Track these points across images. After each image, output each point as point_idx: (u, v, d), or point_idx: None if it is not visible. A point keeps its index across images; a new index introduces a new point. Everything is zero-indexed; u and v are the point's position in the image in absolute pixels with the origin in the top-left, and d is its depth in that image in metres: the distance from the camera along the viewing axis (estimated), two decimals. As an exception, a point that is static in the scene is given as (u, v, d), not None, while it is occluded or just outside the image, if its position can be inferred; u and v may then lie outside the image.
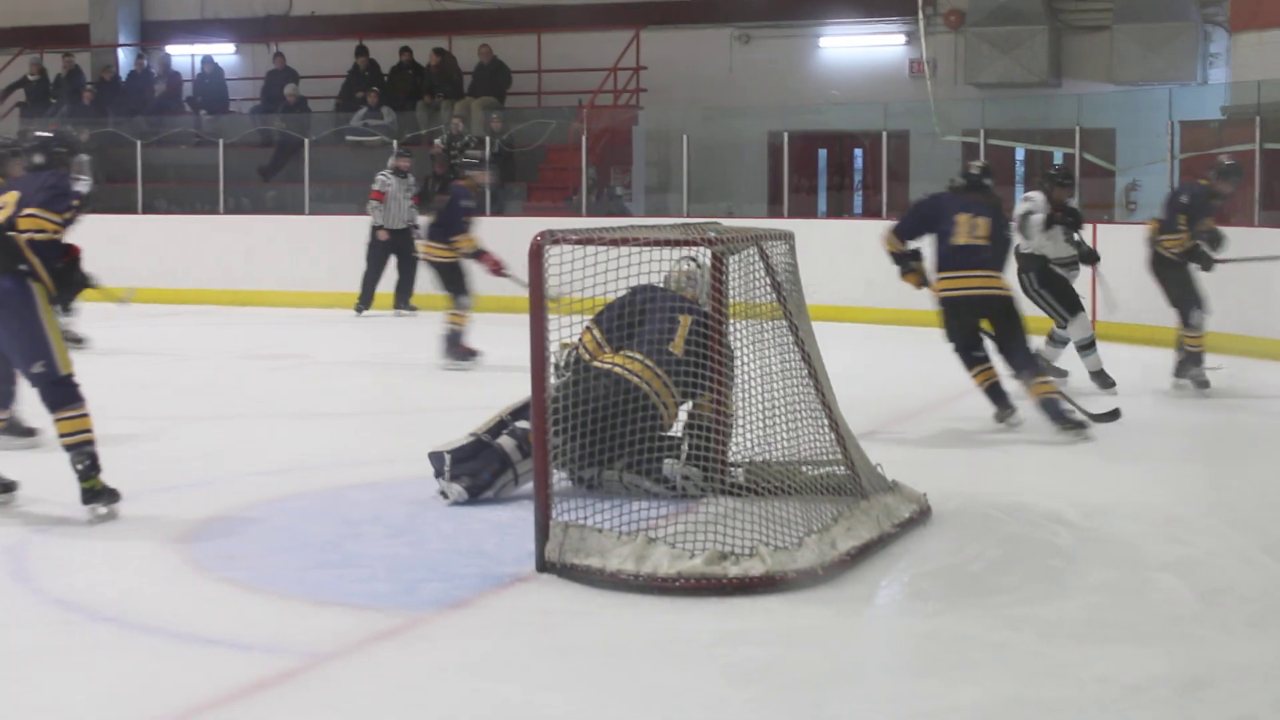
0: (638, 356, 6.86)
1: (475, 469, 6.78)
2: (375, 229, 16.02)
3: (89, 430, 6.56)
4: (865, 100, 18.38)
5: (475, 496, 6.72)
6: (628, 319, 7.00)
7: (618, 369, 6.80)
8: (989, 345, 8.99)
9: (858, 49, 19.61)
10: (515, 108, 19.75)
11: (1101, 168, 16.20)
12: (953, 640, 4.94)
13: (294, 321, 16.12)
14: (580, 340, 6.98)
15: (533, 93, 20.49)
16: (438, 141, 18.08)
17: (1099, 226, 14.16)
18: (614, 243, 6.52)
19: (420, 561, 5.80)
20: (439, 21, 21.03)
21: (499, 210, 17.29)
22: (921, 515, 6.48)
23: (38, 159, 6.91)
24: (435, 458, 6.92)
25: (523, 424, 6.77)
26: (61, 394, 6.57)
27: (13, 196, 6.72)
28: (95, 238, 17.85)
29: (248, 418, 9.54)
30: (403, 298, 16.16)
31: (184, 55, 22.69)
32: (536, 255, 5.78)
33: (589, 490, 6.56)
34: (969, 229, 8.98)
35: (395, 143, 18.03)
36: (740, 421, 6.33)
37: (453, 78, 20.16)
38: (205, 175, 19.08)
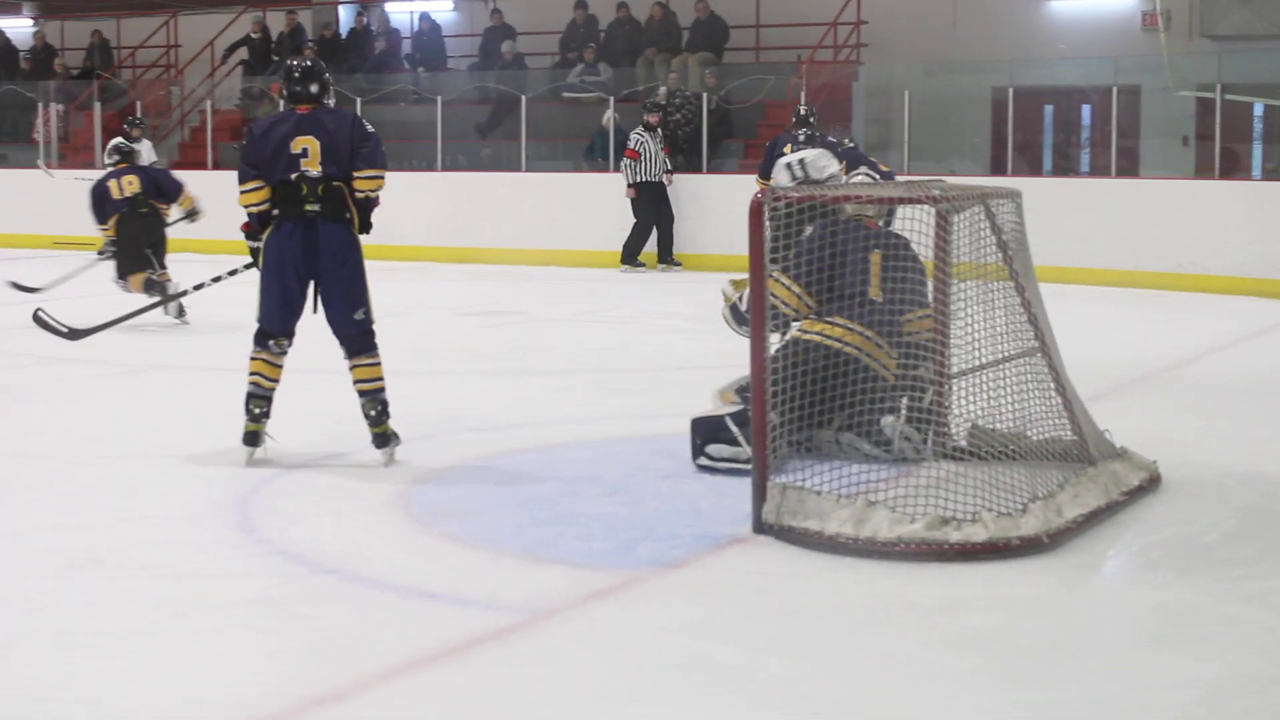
0: (840, 322, 6.73)
1: None
2: (627, 186, 16.74)
3: (383, 378, 6.92)
4: (1094, 54, 17.98)
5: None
6: (820, 264, 6.84)
7: (829, 340, 6.69)
8: None
9: (1087, 0, 19.19)
10: (733, 63, 19.69)
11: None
12: (1183, 613, 4.83)
13: (510, 278, 16.33)
14: (774, 293, 6.80)
15: (751, 48, 20.42)
16: (662, 90, 18.15)
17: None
18: (835, 200, 6.50)
19: (637, 521, 5.84)
20: (657, -25, 21.08)
21: (716, 168, 17.28)
22: (1151, 483, 6.34)
23: (314, 88, 6.89)
24: (707, 423, 6.71)
25: None
26: (368, 341, 6.95)
27: (313, 145, 6.74)
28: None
29: (465, 374, 9.69)
30: (665, 253, 16.75)
31: (403, 12, 23.02)
32: (757, 213, 5.77)
33: (804, 453, 6.53)
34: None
35: (612, 99, 18.13)
36: (965, 384, 6.24)
37: (671, 33, 20.17)
38: (423, 133, 19.36)
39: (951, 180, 7.11)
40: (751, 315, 5.78)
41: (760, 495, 5.65)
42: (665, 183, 16.83)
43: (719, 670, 4.30)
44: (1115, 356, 10.06)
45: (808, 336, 6.74)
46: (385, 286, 14.89)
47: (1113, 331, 11.31)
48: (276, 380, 6.93)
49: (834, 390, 6.43)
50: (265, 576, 5.19)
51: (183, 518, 5.94)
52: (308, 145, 6.75)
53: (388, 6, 23.12)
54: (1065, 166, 18.66)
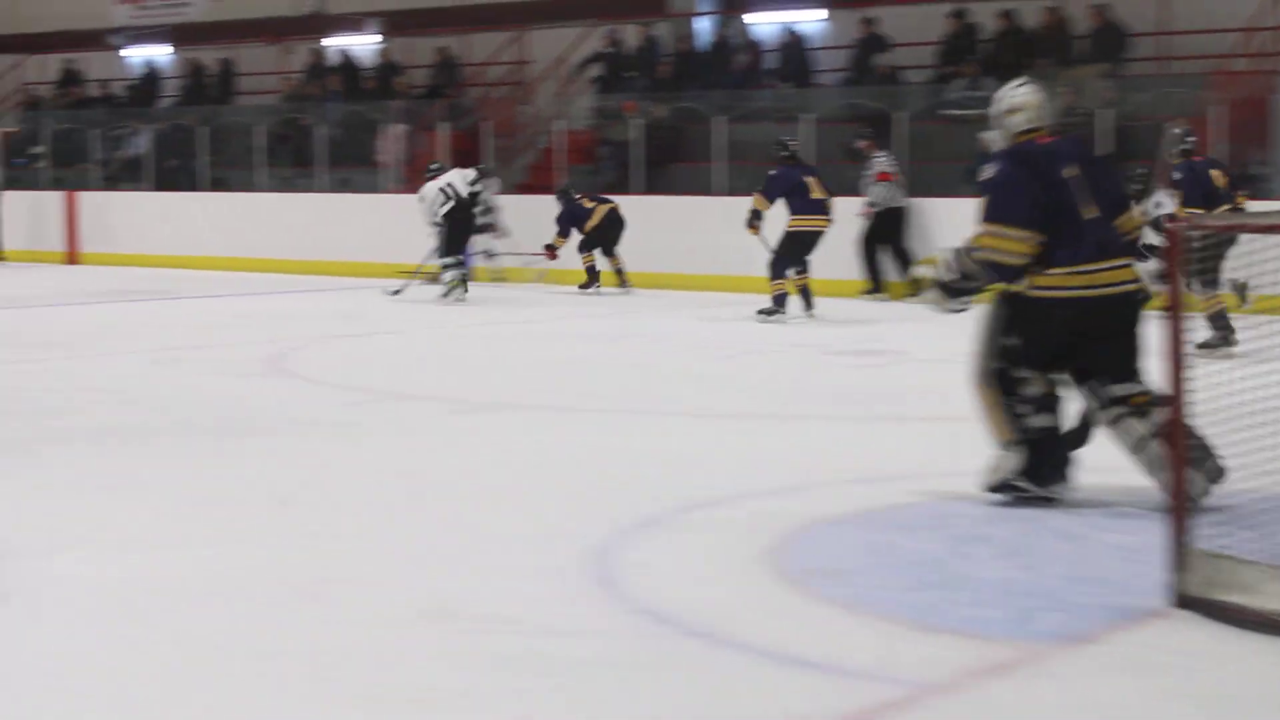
0: (1063, 271, 6.84)
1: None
2: (872, 204, 18.04)
3: None
4: None
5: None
6: (1027, 197, 6.90)
7: (1059, 293, 6.83)
8: None
9: None
10: (1134, 75, 19.27)
11: None
12: None
13: (886, 313, 16.25)
14: (995, 248, 6.89)
15: (1154, 58, 19.95)
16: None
17: None
18: (1266, 230, 6.27)
19: (1036, 587, 5.71)
20: (1049, -20, 20.76)
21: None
22: None
23: None
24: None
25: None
26: None
27: None
28: (669, 219, 18.38)
29: (838, 419, 9.64)
30: (878, 279, 17.94)
31: (766, 23, 23.09)
32: (1175, 243, 5.60)
33: (1229, 512, 6.32)
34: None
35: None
36: None
37: (1063, 43, 19.81)
38: (788, 153, 19.39)
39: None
40: (1169, 353, 5.60)
41: (1179, 563, 5.45)
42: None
43: (1137, 761, 4.17)
44: None
45: (1044, 293, 6.83)
46: (749, 323, 15.06)
47: None
48: None
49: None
50: (628, 637, 5.22)
51: (538, 569, 6.02)
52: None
53: (749, 17, 23.24)
54: None
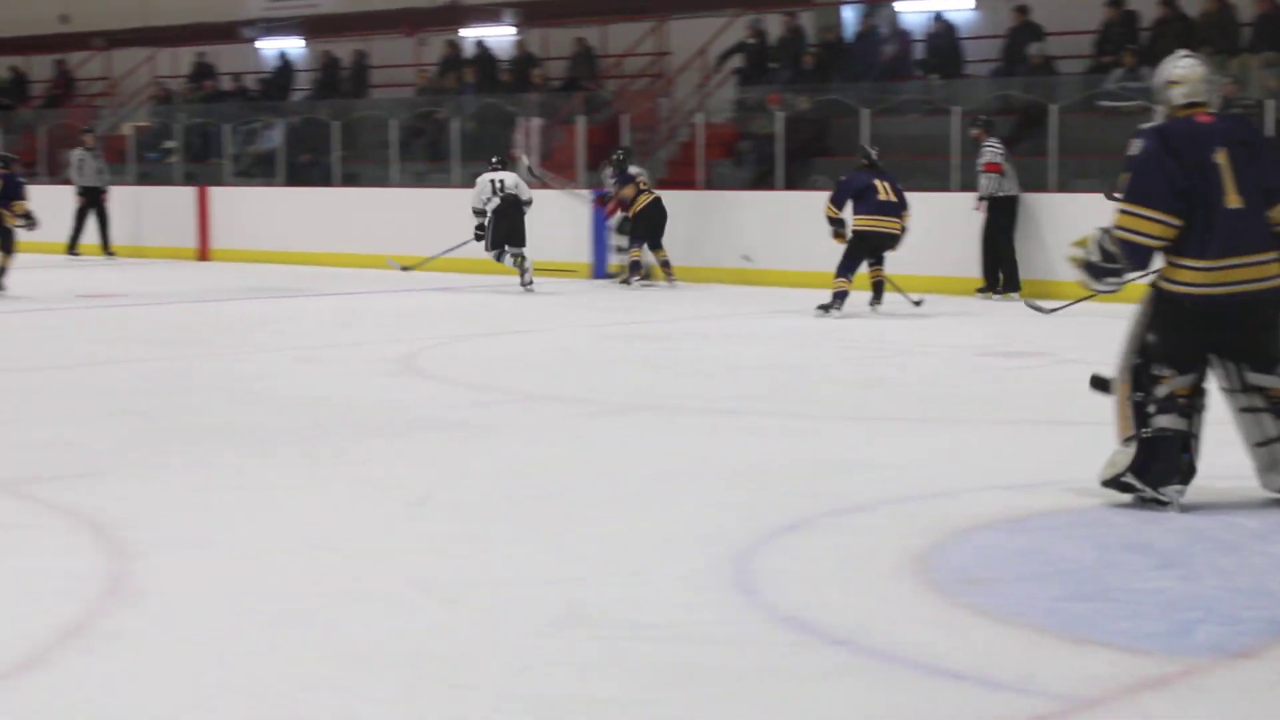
0: (1192, 264, 6.86)
1: None
2: (981, 198, 18.13)
3: None
4: None
5: None
6: (1169, 178, 6.92)
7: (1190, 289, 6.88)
8: None
9: None
10: (1305, 65, 18.98)
11: None
12: None
13: (1031, 313, 16.10)
14: (1130, 229, 6.90)
15: (1327, 46, 19.63)
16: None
17: None
18: None
19: (1194, 599, 5.66)
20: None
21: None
22: None
23: None
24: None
25: None
26: None
27: None
28: (812, 215, 18.41)
29: (986, 423, 9.61)
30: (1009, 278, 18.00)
31: (916, 12, 22.94)
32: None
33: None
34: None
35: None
36: None
37: (1227, 31, 19.54)
38: (938, 147, 19.29)
39: None
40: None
41: (1345, 575, 5.41)
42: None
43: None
44: None
45: (1173, 287, 6.87)
46: (894, 322, 15.06)
47: None
48: None
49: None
50: (768, 645, 5.23)
51: (677, 575, 6.05)
52: None
53: (898, 6, 23.09)
54: None
